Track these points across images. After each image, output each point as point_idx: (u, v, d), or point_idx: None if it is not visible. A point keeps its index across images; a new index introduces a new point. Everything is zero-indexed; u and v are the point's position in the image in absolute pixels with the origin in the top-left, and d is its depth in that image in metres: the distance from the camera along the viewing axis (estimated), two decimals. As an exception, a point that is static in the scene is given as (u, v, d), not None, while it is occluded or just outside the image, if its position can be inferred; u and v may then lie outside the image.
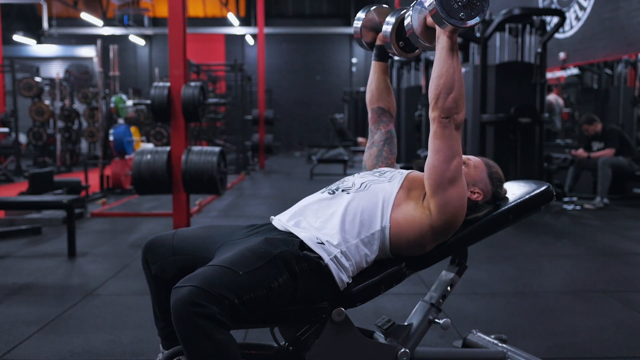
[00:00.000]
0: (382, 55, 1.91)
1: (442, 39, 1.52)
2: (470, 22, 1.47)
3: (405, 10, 1.78)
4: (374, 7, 1.90)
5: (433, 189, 1.57)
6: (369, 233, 1.58)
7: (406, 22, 1.61)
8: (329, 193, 1.67)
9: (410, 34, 1.61)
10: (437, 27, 1.53)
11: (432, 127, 1.56)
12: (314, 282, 1.50)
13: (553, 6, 9.28)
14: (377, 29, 1.89)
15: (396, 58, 4.09)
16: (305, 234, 1.55)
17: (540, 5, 9.70)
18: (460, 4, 1.46)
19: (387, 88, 1.95)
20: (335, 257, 1.52)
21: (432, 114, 1.56)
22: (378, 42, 1.89)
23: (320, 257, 1.50)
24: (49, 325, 2.69)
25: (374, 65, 1.94)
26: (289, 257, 1.46)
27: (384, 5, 1.92)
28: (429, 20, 1.56)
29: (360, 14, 1.91)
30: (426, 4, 1.51)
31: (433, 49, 1.61)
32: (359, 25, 1.90)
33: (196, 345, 1.31)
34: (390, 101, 1.95)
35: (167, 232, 1.71)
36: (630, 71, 7.79)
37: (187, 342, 1.32)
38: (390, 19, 1.79)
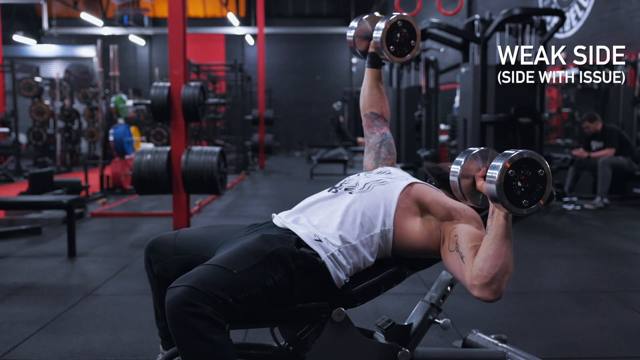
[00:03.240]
0: (375, 62, 1.93)
1: (500, 220, 1.39)
2: (532, 208, 1.35)
3: (394, 16, 1.80)
4: (366, 17, 1.93)
5: (452, 274, 1.55)
6: (369, 235, 1.58)
7: (452, 177, 1.49)
8: (332, 192, 1.68)
9: (453, 187, 1.50)
10: (492, 203, 1.40)
11: (473, 291, 1.41)
12: (310, 279, 1.49)
13: (553, 6, 9.28)
14: (369, 37, 1.91)
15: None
16: (303, 231, 1.55)
17: (540, 5, 9.70)
18: (522, 190, 1.34)
19: (380, 94, 1.96)
20: (333, 254, 1.51)
21: (480, 291, 1.40)
22: (370, 49, 1.92)
23: (316, 254, 1.50)
24: (49, 325, 2.69)
25: (367, 72, 1.96)
26: (285, 254, 1.46)
27: (376, 14, 1.94)
28: (481, 184, 1.44)
29: (353, 23, 1.93)
30: (490, 177, 1.36)
31: (471, 204, 1.53)
32: (352, 35, 1.93)
33: (190, 345, 1.31)
34: (384, 106, 1.97)
35: (170, 232, 1.72)
36: (630, 71, 7.79)
37: (181, 342, 1.32)
38: (381, 25, 1.81)
